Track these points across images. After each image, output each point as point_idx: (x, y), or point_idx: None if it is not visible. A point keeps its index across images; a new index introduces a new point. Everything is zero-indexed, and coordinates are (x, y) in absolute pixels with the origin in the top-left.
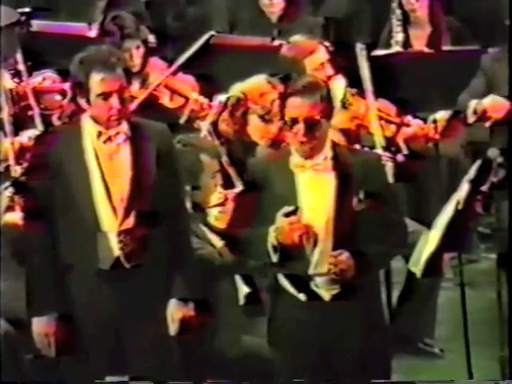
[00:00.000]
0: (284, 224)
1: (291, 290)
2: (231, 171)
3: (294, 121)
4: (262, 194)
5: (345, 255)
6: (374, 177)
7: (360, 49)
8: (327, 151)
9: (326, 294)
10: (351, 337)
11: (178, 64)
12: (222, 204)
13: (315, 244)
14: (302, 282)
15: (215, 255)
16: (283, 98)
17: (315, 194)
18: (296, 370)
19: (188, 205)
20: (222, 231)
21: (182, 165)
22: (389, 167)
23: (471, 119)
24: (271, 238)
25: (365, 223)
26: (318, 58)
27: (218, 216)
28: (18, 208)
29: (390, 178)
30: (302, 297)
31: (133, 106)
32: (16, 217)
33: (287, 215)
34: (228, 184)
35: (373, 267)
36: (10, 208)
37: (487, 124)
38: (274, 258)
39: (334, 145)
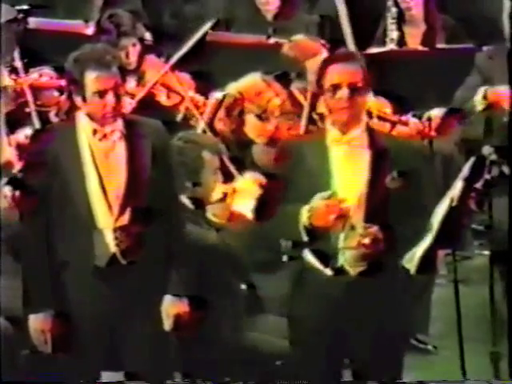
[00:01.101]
0: (320, 205)
1: (317, 264)
2: (231, 168)
3: (336, 87)
4: (296, 170)
5: (375, 228)
6: (406, 158)
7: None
8: (363, 126)
9: (352, 270)
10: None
11: (176, 58)
12: (221, 200)
13: (346, 222)
14: (328, 257)
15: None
16: (322, 66)
17: (349, 169)
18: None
19: (188, 201)
20: (219, 226)
21: (183, 161)
22: None
23: (479, 107)
24: (303, 218)
25: (396, 201)
26: (320, 60)
27: (216, 213)
28: (15, 205)
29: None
30: (328, 271)
31: (131, 104)
32: (13, 214)
33: (325, 198)
34: (228, 181)
35: (400, 245)
36: (6, 205)
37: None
38: (305, 238)
39: (368, 125)
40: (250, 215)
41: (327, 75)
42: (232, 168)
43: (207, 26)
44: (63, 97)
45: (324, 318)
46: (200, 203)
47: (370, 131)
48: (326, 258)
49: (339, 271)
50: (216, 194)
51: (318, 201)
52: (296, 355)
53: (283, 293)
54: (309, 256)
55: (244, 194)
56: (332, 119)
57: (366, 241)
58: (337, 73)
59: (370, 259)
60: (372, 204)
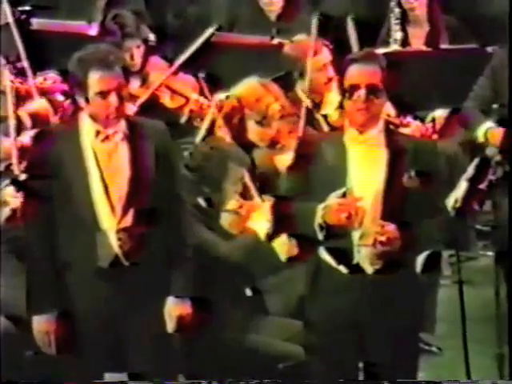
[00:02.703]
0: (333, 204)
1: (333, 262)
2: (252, 184)
3: (355, 88)
4: (313, 168)
5: (392, 226)
6: (424, 159)
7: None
8: (381, 126)
9: (369, 268)
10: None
11: (179, 62)
12: (236, 211)
13: (362, 220)
14: (344, 255)
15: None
16: (342, 66)
17: (367, 167)
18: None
19: (203, 202)
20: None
21: (205, 166)
22: None
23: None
24: (318, 217)
25: (413, 201)
26: (321, 59)
27: (231, 222)
28: (18, 206)
29: None
30: (343, 269)
31: (135, 106)
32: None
33: (338, 196)
34: (247, 194)
35: (417, 245)
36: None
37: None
38: (320, 236)
39: (387, 123)
40: (262, 236)
41: (346, 76)
42: (253, 188)
43: (210, 31)
44: (68, 101)
45: (339, 319)
46: (213, 205)
47: (388, 130)
48: (342, 255)
49: (355, 269)
50: (232, 204)
51: (332, 199)
52: (310, 357)
53: (294, 294)
54: (324, 254)
55: (261, 214)
56: (349, 119)
57: (383, 239)
58: (355, 73)
59: (387, 257)
60: (389, 202)
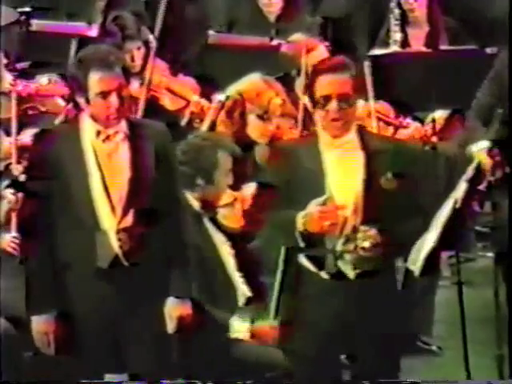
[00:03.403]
0: (314, 212)
1: (313, 268)
2: (231, 174)
3: (326, 98)
4: (289, 175)
5: (373, 231)
6: (401, 158)
7: (367, 65)
8: (355, 129)
9: (351, 273)
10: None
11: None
12: (231, 204)
13: (344, 226)
14: (324, 262)
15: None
16: (312, 76)
17: (344, 172)
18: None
19: (196, 202)
20: (230, 231)
21: (198, 159)
22: None
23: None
24: (299, 225)
25: (392, 202)
26: (317, 56)
27: (227, 215)
28: (18, 207)
29: None
30: (323, 275)
31: (138, 108)
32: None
33: (319, 204)
34: (238, 184)
35: (398, 247)
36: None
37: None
38: (301, 244)
39: (360, 127)
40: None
41: (317, 86)
42: (231, 179)
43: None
44: (69, 105)
45: (323, 323)
46: (208, 205)
47: (362, 133)
48: (322, 262)
49: (337, 275)
50: (226, 199)
51: (312, 207)
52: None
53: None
54: (304, 261)
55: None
56: (323, 128)
57: (366, 244)
58: (326, 83)
59: (369, 262)
60: (369, 206)
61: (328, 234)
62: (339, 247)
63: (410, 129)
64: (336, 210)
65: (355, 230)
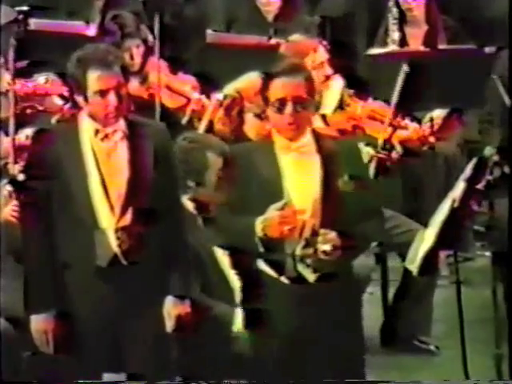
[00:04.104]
0: (274, 216)
1: (272, 273)
2: (217, 174)
3: (281, 101)
4: (246, 179)
5: (332, 234)
6: (354, 161)
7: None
8: (309, 132)
9: (310, 276)
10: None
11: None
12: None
13: (303, 229)
14: (283, 266)
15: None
16: (266, 81)
17: (301, 175)
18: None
19: (190, 204)
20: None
21: (187, 161)
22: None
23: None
24: (258, 230)
25: (350, 205)
26: (317, 57)
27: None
28: (16, 206)
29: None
30: (283, 279)
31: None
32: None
33: (278, 209)
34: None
35: (356, 249)
36: (7, 205)
37: None
38: (261, 249)
39: (314, 131)
40: None
41: (271, 90)
42: (214, 180)
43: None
44: (67, 105)
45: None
46: (203, 206)
47: (317, 136)
48: (282, 266)
49: (297, 279)
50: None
51: (272, 212)
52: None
53: None
54: (263, 266)
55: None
56: (278, 132)
57: (326, 247)
58: (280, 87)
59: (328, 265)
60: (327, 209)
61: (287, 238)
62: (299, 251)
63: (408, 129)
64: (295, 214)
65: (315, 233)
